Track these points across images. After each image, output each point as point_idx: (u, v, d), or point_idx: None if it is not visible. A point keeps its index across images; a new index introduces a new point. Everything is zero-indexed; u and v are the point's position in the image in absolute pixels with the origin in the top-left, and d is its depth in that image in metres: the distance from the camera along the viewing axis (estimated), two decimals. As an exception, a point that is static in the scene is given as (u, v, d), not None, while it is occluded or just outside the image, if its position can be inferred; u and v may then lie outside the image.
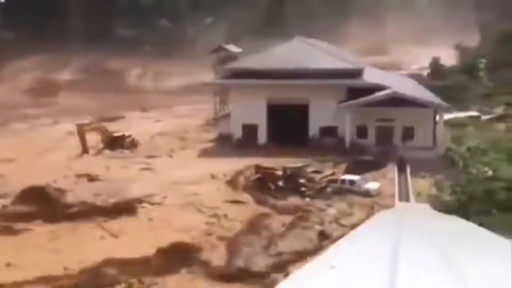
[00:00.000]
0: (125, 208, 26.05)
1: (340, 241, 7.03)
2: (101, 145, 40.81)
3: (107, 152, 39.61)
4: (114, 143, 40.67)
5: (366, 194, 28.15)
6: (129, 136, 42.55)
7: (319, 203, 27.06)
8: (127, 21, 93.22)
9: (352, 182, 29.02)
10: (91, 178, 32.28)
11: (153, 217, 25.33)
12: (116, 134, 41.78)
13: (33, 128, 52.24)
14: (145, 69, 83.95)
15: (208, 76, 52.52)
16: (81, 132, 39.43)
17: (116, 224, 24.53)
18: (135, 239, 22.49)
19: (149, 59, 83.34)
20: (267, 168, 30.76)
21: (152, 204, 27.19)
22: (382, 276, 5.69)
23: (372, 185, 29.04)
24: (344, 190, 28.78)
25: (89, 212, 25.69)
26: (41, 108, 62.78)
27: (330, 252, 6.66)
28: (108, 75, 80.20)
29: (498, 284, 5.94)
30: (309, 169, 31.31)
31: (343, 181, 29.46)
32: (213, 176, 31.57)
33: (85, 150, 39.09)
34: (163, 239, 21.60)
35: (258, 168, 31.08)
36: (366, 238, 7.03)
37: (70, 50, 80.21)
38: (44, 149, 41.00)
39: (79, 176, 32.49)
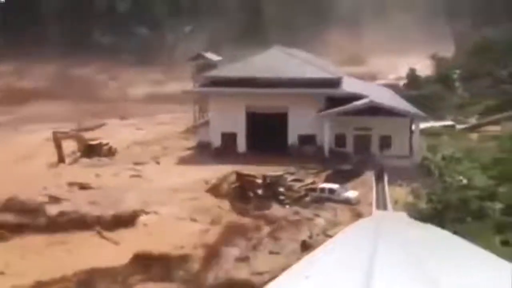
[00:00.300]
0: (124, 219, 25.69)
1: (316, 251, 7.05)
2: (77, 153, 40.12)
3: (85, 160, 38.90)
4: (91, 151, 40.05)
5: (346, 202, 28.30)
6: (106, 144, 41.99)
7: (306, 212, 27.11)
8: (105, 28, 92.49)
9: (331, 191, 29.16)
10: (83, 187, 31.67)
11: (151, 227, 25.07)
12: (93, 142, 41.17)
13: (6, 136, 51.15)
14: (123, 77, 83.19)
15: (187, 84, 52.35)
16: (57, 140, 38.62)
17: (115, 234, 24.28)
18: (133, 248, 22.20)
19: (127, 66, 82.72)
20: (248, 176, 30.73)
21: (147, 213, 26.94)
22: (357, 286, 5.74)
23: (351, 194, 29.23)
24: (324, 199, 28.89)
25: (86, 222, 25.23)
26: (14, 115, 61.57)
27: (305, 262, 6.66)
28: (85, 83, 79.28)
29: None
30: (289, 178, 31.38)
31: (323, 189, 29.57)
32: (206, 182, 31.42)
33: (61, 159, 38.29)
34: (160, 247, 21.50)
35: (239, 176, 31.04)
36: (342, 248, 7.07)
37: (47, 57, 79.00)
38: (20, 157, 40.10)
39: (70, 184, 31.77)
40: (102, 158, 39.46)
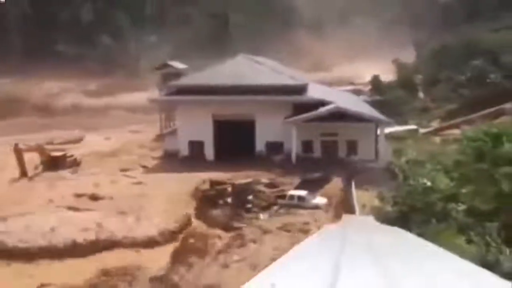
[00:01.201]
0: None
1: (282, 258, 7.09)
2: (40, 167, 38.89)
3: (48, 173, 37.63)
4: (55, 163, 38.96)
5: (315, 209, 28.16)
6: (71, 156, 41.01)
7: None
8: (68, 37, 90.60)
9: (300, 198, 29.09)
10: (95, 197, 30.94)
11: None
12: (56, 154, 40.08)
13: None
14: (88, 87, 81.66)
15: (153, 93, 51.88)
16: (18, 153, 37.31)
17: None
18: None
19: (92, 76, 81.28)
20: (219, 184, 30.60)
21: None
22: None
23: (320, 200, 29.28)
24: (293, 206, 28.71)
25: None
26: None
27: (271, 270, 6.68)
28: (46, 93, 77.40)
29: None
30: (257, 185, 31.29)
31: (292, 196, 29.43)
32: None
33: (23, 173, 36.97)
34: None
35: (212, 183, 30.86)
36: (308, 254, 7.12)
37: (8, 67, 76.73)
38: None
39: (78, 196, 30.95)
40: (65, 171, 38.39)
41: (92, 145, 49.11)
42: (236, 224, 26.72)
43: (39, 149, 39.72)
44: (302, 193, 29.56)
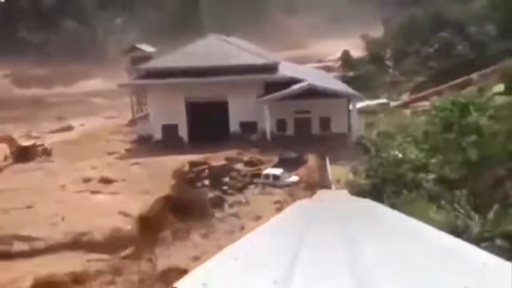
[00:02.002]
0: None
1: (250, 233, 7.24)
2: (9, 158, 37.93)
3: (18, 166, 36.56)
4: (25, 153, 38.06)
5: (290, 186, 28.56)
6: (41, 145, 40.13)
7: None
8: (31, 23, 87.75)
9: (275, 177, 29.39)
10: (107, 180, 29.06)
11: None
12: (26, 144, 39.13)
13: None
14: (54, 75, 79.61)
15: (122, 77, 50.99)
16: (-14, 145, 36.30)
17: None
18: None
19: (58, 63, 79.22)
20: (199, 164, 30.54)
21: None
22: (283, 266, 5.97)
23: (295, 178, 29.60)
24: (268, 185, 29.04)
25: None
26: None
27: (237, 244, 6.83)
28: (13, 82, 75.21)
29: (394, 257, 6.47)
30: (233, 166, 31.40)
31: (267, 176, 29.72)
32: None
33: None
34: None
35: (191, 165, 30.75)
36: (274, 229, 7.27)
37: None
38: None
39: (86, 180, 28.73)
40: (39, 160, 37.49)
41: (64, 134, 48.12)
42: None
43: (8, 139, 38.69)
44: (277, 171, 29.85)
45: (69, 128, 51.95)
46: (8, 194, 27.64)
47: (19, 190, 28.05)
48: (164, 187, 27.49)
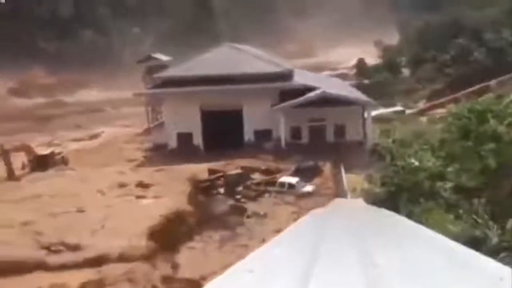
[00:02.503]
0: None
1: (265, 245, 7.17)
2: (27, 166, 38.39)
3: (38, 173, 36.85)
4: (43, 162, 38.50)
5: (306, 196, 28.07)
6: (59, 153, 40.62)
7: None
8: (48, 33, 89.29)
9: (291, 186, 28.92)
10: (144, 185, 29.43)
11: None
12: (44, 152, 39.60)
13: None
14: (70, 83, 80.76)
15: (138, 86, 51.51)
16: (4, 153, 36.64)
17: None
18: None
19: (74, 71, 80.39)
20: (216, 172, 30.60)
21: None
22: (298, 277, 5.92)
23: (310, 188, 29.20)
24: (283, 194, 28.58)
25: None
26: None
27: (251, 257, 6.78)
28: (31, 91, 76.45)
29: (409, 268, 6.37)
30: (247, 175, 31.13)
31: (282, 184, 29.28)
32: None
33: (11, 174, 36.32)
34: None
35: (210, 173, 30.77)
36: (288, 239, 7.21)
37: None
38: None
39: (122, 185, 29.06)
40: (59, 168, 37.89)
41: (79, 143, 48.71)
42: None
43: (25, 148, 39.21)
44: (293, 180, 29.44)
45: (89, 137, 52.60)
46: (49, 199, 27.65)
47: (57, 196, 28.06)
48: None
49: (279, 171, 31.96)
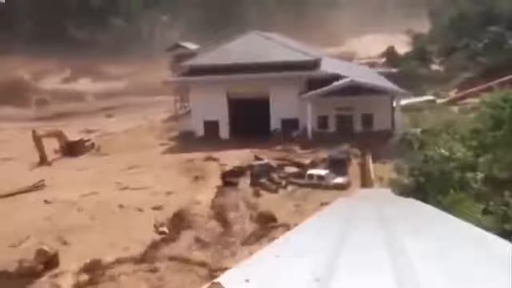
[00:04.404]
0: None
1: (291, 231, 7.22)
2: (58, 152, 39.52)
3: (71, 159, 38.07)
4: (73, 148, 39.57)
5: (336, 188, 26.89)
6: (88, 140, 41.63)
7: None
8: (79, 22, 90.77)
9: (320, 177, 27.98)
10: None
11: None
12: (73, 139, 40.63)
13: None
14: (101, 71, 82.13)
15: (166, 74, 52.00)
16: (37, 139, 37.80)
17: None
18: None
19: (105, 60, 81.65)
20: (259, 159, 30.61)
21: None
22: (325, 263, 5.94)
23: (340, 179, 28.18)
24: (313, 186, 27.54)
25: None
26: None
27: (278, 242, 6.84)
28: (62, 79, 78.07)
29: (437, 255, 6.31)
30: (272, 166, 30.48)
31: (311, 176, 28.32)
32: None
33: (43, 158, 37.53)
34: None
35: (256, 159, 30.84)
36: (315, 227, 7.23)
37: (19, 54, 77.35)
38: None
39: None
40: (93, 154, 39.15)
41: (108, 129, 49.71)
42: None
43: (58, 134, 40.28)
44: (322, 172, 28.46)
45: (118, 125, 53.49)
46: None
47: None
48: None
49: (307, 162, 30.99)
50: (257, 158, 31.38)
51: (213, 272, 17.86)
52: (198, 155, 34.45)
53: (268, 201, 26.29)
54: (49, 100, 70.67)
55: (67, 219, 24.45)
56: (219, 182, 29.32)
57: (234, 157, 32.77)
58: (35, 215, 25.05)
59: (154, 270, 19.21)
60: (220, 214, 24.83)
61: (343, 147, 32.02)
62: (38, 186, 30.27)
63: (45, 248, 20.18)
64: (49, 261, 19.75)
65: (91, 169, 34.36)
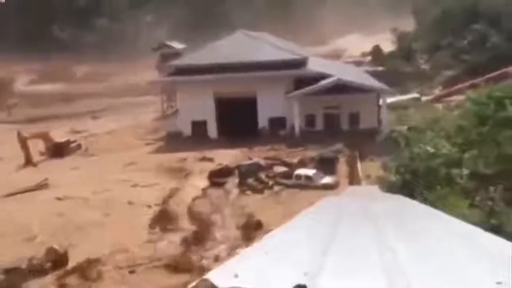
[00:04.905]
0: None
1: (280, 228, 7.25)
2: (44, 153, 39.14)
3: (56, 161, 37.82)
4: (60, 149, 39.21)
5: (325, 188, 26.35)
6: (74, 141, 41.30)
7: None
8: (64, 22, 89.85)
9: (308, 178, 27.59)
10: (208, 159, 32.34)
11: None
12: (59, 140, 40.27)
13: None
14: (84, 71, 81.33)
15: (152, 74, 51.71)
16: (22, 141, 37.43)
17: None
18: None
19: (90, 60, 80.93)
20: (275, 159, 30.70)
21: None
22: (313, 259, 5.98)
23: (328, 179, 27.83)
24: (300, 186, 27.12)
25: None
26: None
27: (265, 239, 6.88)
28: (47, 81, 77.19)
29: (424, 251, 6.38)
30: (260, 165, 29.89)
31: (299, 176, 27.90)
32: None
33: (29, 160, 37.16)
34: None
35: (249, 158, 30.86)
36: (304, 223, 7.27)
37: (4, 54, 76.31)
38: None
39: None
40: (81, 154, 39.01)
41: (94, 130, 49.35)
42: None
43: (43, 136, 39.88)
44: (310, 172, 28.11)
45: (103, 125, 53.05)
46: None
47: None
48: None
49: (296, 161, 30.61)
50: (250, 158, 31.29)
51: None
52: (187, 155, 34.43)
53: (251, 203, 26.09)
54: (32, 102, 69.65)
55: (80, 215, 25.13)
56: (205, 182, 29.29)
57: (222, 157, 32.78)
58: (49, 211, 25.81)
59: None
60: (197, 216, 24.80)
61: (336, 146, 31.83)
62: (42, 185, 30.58)
63: (55, 246, 20.51)
64: (58, 260, 20.09)
65: (82, 169, 34.71)
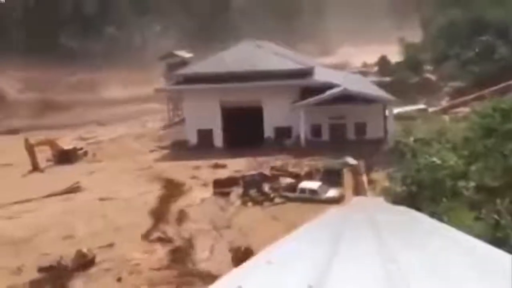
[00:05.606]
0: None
1: (282, 239, 7.26)
2: (51, 160, 39.42)
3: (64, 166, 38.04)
4: (66, 156, 39.46)
5: (329, 202, 25.38)
6: (81, 149, 41.56)
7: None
8: (72, 30, 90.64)
9: (313, 191, 27.04)
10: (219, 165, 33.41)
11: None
12: (67, 147, 40.55)
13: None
14: (91, 79, 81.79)
15: (159, 83, 51.95)
16: (29, 147, 37.78)
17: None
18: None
19: (97, 68, 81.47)
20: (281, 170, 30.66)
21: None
22: (317, 270, 5.97)
23: (333, 193, 27.35)
24: (304, 200, 26.51)
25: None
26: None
27: (270, 249, 6.89)
28: (54, 88, 77.78)
29: (429, 264, 6.34)
30: (263, 177, 29.71)
31: (303, 190, 27.36)
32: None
33: (35, 166, 37.48)
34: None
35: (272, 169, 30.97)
36: (308, 234, 7.27)
37: (12, 63, 77.00)
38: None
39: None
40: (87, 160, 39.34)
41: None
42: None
43: (50, 142, 40.19)
44: (314, 185, 27.56)
45: (110, 133, 53.29)
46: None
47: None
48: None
49: (303, 173, 30.30)
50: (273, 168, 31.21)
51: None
52: (193, 164, 34.62)
53: (245, 217, 25.90)
54: (37, 110, 70.10)
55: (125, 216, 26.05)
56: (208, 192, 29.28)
57: (229, 166, 32.90)
58: (93, 212, 27.02)
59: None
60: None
61: (344, 159, 31.44)
62: (74, 188, 31.29)
63: (84, 251, 21.20)
64: (85, 264, 20.80)
65: (97, 173, 35.52)
